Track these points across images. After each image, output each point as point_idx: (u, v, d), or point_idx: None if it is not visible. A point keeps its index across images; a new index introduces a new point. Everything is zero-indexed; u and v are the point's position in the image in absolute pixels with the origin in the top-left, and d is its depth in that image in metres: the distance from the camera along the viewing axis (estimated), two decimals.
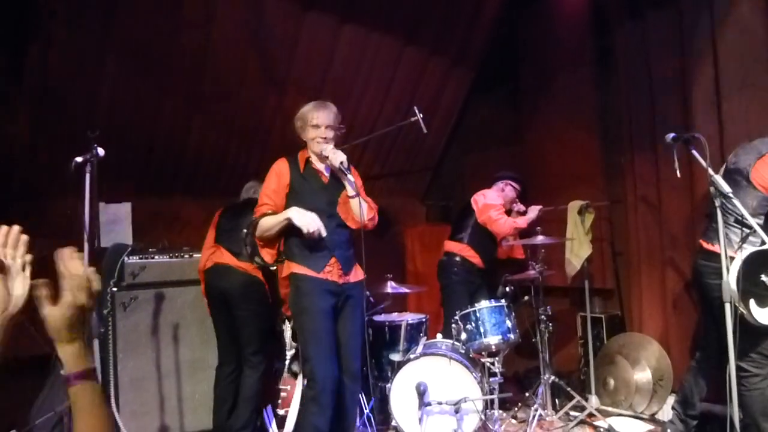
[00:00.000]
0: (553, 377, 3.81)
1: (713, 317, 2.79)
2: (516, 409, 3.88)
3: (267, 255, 2.90)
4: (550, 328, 3.87)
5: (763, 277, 2.56)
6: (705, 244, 2.88)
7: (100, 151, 2.74)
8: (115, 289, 3.42)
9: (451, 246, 4.19)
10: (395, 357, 3.55)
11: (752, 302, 2.53)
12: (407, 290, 4.04)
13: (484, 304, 3.54)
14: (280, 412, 3.35)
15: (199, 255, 3.54)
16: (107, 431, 1.11)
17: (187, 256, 3.66)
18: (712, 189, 2.59)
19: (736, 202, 2.56)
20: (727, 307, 2.47)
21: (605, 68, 4.35)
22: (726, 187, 2.56)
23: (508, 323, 3.52)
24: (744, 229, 2.67)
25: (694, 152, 2.67)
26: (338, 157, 2.79)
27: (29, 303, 1.12)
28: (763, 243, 2.59)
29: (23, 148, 3.61)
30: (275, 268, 3.09)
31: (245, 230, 3.10)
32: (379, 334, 3.69)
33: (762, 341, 2.68)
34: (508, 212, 4.24)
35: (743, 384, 2.68)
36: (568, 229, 4.22)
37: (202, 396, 3.54)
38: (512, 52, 5.03)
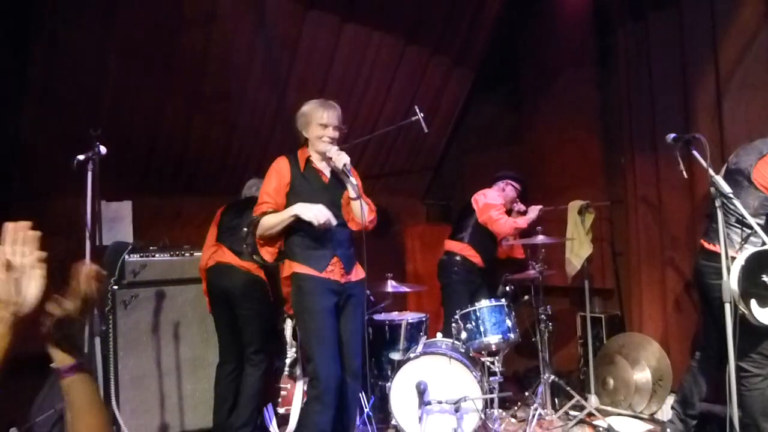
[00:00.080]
0: (552, 377, 3.82)
1: (714, 317, 2.79)
2: (516, 408, 3.89)
3: (267, 254, 2.89)
4: (550, 327, 3.88)
5: (764, 277, 2.56)
6: (706, 245, 2.88)
7: (102, 149, 2.74)
8: (115, 287, 3.42)
9: (451, 245, 4.20)
10: (395, 356, 3.56)
11: (753, 302, 2.53)
12: (407, 289, 4.05)
13: (484, 304, 3.55)
14: (281, 410, 3.36)
15: (199, 253, 3.55)
16: (103, 422, 1.09)
17: (187, 254, 3.66)
18: (712, 189, 2.59)
19: (736, 202, 2.57)
20: (727, 307, 2.47)
21: (606, 68, 4.36)
22: (726, 188, 2.56)
23: (508, 323, 3.53)
24: (745, 229, 2.67)
25: (695, 153, 2.67)
26: (342, 159, 2.78)
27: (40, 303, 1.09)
28: (764, 243, 2.60)
29: (23, 147, 3.61)
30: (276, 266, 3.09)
31: (245, 228, 3.10)
32: (380, 333, 3.69)
33: (763, 341, 2.68)
34: (509, 212, 4.25)
35: (743, 384, 2.68)
36: (568, 229, 4.22)
37: (203, 394, 3.55)
38: (513, 52, 5.04)
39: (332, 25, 4.15)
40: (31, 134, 3.58)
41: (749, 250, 2.62)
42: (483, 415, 3.19)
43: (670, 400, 3.46)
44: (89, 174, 2.70)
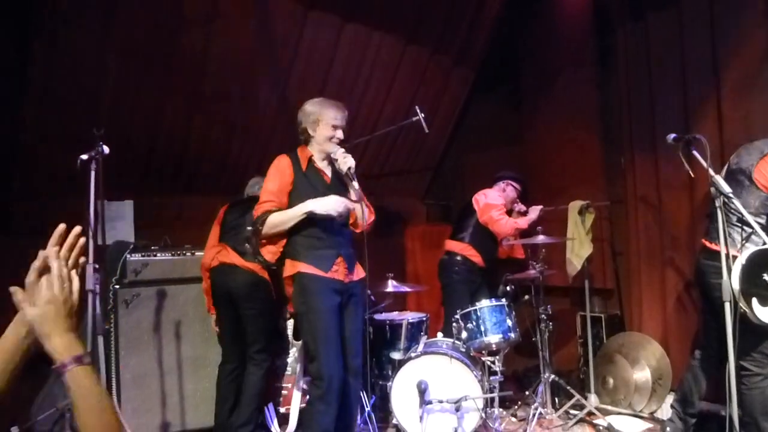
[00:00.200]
0: (552, 376, 3.82)
1: (715, 316, 2.80)
2: (516, 407, 3.89)
3: (268, 253, 2.86)
4: (550, 327, 3.88)
5: (765, 277, 2.57)
6: (708, 244, 2.89)
7: (105, 149, 2.74)
8: (117, 286, 3.42)
9: (452, 245, 4.20)
10: (396, 355, 3.56)
11: (755, 301, 2.54)
12: (408, 289, 4.06)
13: (484, 303, 3.55)
14: (282, 410, 3.36)
15: (200, 253, 3.55)
16: (109, 410, 1.08)
17: (189, 253, 3.67)
18: (712, 189, 2.60)
19: (736, 202, 2.58)
20: (727, 306, 2.48)
21: (606, 68, 4.36)
22: (726, 188, 2.57)
23: (509, 322, 3.54)
24: (746, 228, 2.68)
25: (695, 153, 2.68)
26: (348, 162, 2.78)
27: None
28: (764, 243, 2.61)
29: (23, 147, 3.61)
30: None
31: (249, 228, 3.09)
32: (380, 332, 3.70)
33: (763, 340, 2.69)
34: (509, 212, 4.25)
35: (744, 383, 2.69)
36: (568, 229, 4.23)
37: (204, 393, 3.55)
38: (513, 52, 5.04)
39: (333, 25, 4.16)
40: (31, 134, 3.58)
41: (750, 249, 2.63)
42: (483, 415, 3.20)
43: (670, 398, 3.47)
44: (92, 173, 2.70)
